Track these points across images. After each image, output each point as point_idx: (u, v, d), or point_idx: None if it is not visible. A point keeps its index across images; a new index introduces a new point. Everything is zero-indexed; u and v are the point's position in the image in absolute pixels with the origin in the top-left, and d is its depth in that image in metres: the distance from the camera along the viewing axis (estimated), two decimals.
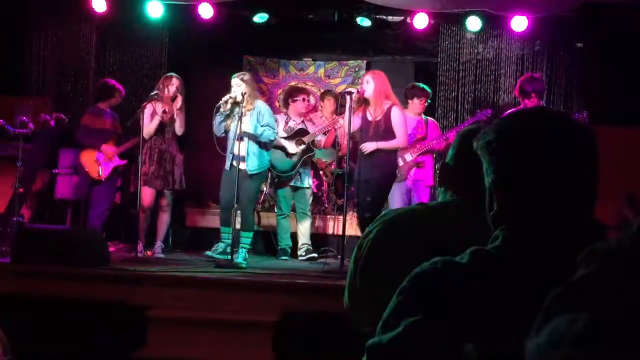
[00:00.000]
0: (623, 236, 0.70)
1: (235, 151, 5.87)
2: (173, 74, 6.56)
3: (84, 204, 6.85)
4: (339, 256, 5.68)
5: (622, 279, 0.67)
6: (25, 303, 4.46)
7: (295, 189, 6.72)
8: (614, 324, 0.65)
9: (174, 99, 6.39)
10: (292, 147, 6.56)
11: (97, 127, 6.70)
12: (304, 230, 6.68)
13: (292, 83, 9.03)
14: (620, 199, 5.50)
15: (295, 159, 6.58)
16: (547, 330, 0.70)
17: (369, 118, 5.74)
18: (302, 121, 6.79)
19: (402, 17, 7.98)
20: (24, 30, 7.82)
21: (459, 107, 7.98)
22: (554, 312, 0.71)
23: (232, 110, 5.91)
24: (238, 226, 5.97)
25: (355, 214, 6.32)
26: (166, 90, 6.36)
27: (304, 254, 6.55)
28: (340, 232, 5.65)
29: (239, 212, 5.94)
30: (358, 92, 5.83)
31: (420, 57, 8.85)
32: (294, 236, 6.77)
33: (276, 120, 6.65)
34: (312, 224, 6.93)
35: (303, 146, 6.58)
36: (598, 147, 1.20)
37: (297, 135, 6.65)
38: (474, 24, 7.61)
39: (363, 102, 5.78)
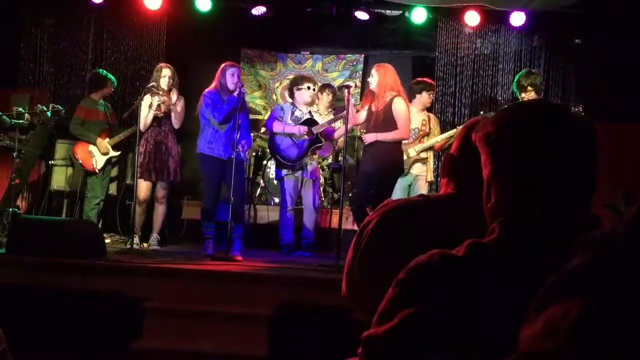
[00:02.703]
0: (618, 226, 0.70)
1: (235, 141, 5.77)
2: (164, 64, 6.51)
3: (79, 195, 6.85)
4: (335, 250, 5.67)
5: (617, 268, 0.67)
6: (21, 294, 4.45)
7: (303, 181, 6.58)
8: (609, 312, 0.65)
9: (169, 90, 6.35)
10: (298, 137, 6.45)
11: (90, 119, 6.69)
12: (309, 223, 6.57)
13: (290, 76, 9.02)
14: (616, 195, 5.51)
15: (302, 148, 6.48)
16: (542, 318, 0.70)
17: (372, 109, 5.74)
18: (309, 112, 6.65)
19: (401, 11, 7.98)
20: (20, 20, 7.79)
21: (457, 102, 7.99)
22: (549, 300, 0.71)
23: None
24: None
25: (350, 206, 6.30)
26: (159, 82, 6.30)
27: (303, 246, 6.51)
28: (337, 226, 5.64)
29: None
30: (356, 85, 5.87)
31: (418, 51, 8.85)
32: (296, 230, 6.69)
33: (282, 109, 6.68)
34: (317, 217, 6.73)
35: (312, 136, 6.47)
36: (596, 140, 1.20)
37: (305, 125, 6.51)
38: (472, 18, 7.61)
39: (371, 95, 5.78)
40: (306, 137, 6.41)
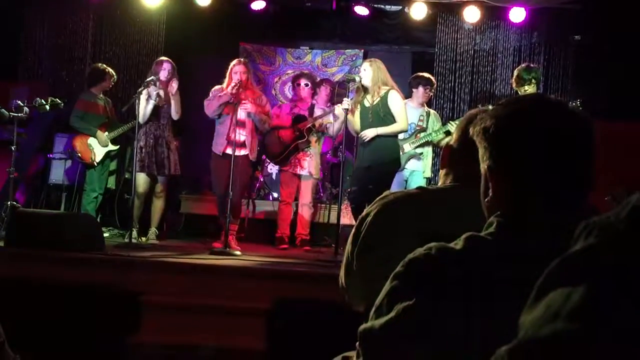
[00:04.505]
0: (620, 210, 0.70)
1: (233, 137, 5.80)
2: (164, 57, 6.51)
3: (77, 188, 6.84)
4: (333, 245, 5.67)
5: (618, 252, 0.67)
6: (18, 287, 4.45)
7: (299, 177, 6.57)
8: (611, 297, 0.65)
9: (168, 81, 6.33)
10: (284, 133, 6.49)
11: (90, 113, 6.68)
12: (303, 220, 6.59)
13: (289, 71, 9.01)
14: (614, 192, 5.50)
15: (286, 144, 6.48)
16: (543, 304, 0.70)
17: (367, 105, 5.69)
18: (310, 106, 6.63)
19: (400, 7, 7.97)
20: (20, 14, 7.77)
21: (456, 98, 7.99)
22: (549, 286, 0.71)
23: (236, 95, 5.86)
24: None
25: (348, 202, 6.28)
26: (159, 74, 6.30)
27: (298, 243, 6.52)
28: (335, 221, 5.63)
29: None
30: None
31: (417, 47, 8.84)
32: (292, 224, 6.70)
33: (280, 107, 6.75)
34: (312, 214, 6.75)
35: (297, 133, 6.49)
36: (594, 134, 1.20)
37: (296, 121, 6.52)
38: (471, 14, 7.60)
39: (362, 90, 5.73)
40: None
